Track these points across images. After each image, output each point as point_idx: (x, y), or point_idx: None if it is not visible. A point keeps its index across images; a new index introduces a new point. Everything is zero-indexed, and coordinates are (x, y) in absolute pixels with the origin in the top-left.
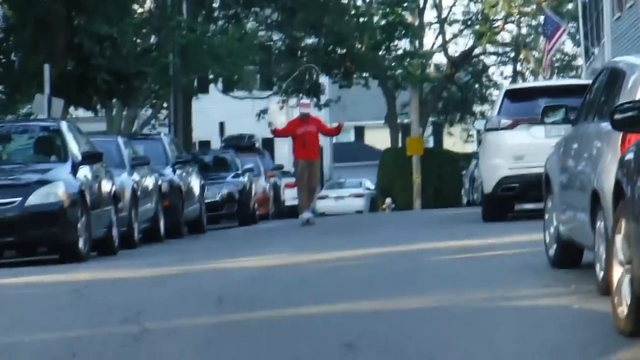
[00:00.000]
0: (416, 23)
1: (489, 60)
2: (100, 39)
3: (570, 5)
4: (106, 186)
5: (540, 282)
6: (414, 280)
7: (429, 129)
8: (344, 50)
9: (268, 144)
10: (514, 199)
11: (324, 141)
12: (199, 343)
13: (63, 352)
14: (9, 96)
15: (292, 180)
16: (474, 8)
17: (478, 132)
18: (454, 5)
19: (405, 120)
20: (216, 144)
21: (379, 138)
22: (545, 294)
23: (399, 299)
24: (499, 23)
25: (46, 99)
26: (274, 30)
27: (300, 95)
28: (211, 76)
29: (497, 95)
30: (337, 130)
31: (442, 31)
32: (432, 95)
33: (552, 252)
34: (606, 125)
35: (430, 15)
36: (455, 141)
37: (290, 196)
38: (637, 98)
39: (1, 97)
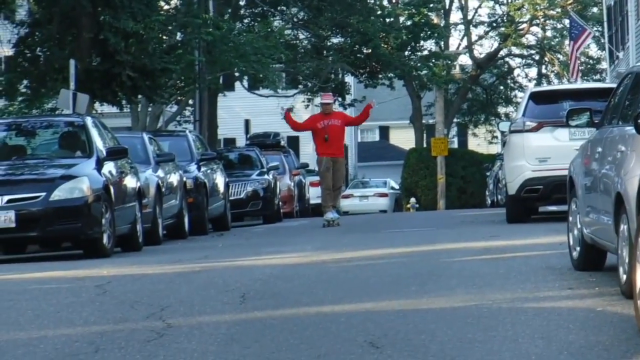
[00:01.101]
0: (442, 24)
1: (514, 62)
2: (125, 35)
3: (595, 9)
4: (131, 182)
5: (564, 284)
6: (437, 280)
7: (454, 130)
8: (370, 50)
9: (293, 143)
10: (538, 201)
11: (348, 140)
12: (222, 340)
13: (86, 347)
14: (34, 91)
15: (317, 178)
16: (499, 10)
17: (502, 133)
18: (479, 7)
19: (430, 121)
20: (241, 141)
21: (403, 138)
22: (569, 295)
23: (423, 299)
24: (524, 25)
25: (71, 94)
26: (300, 29)
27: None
28: (237, 74)
29: (521, 97)
30: (366, 113)
31: (467, 33)
32: (457, 96)
33: (575, 254)
34: (630, 129)
35: (455, 16)
36: (479, 142)
37: (314, 194)
38: None
39: (26, 92)
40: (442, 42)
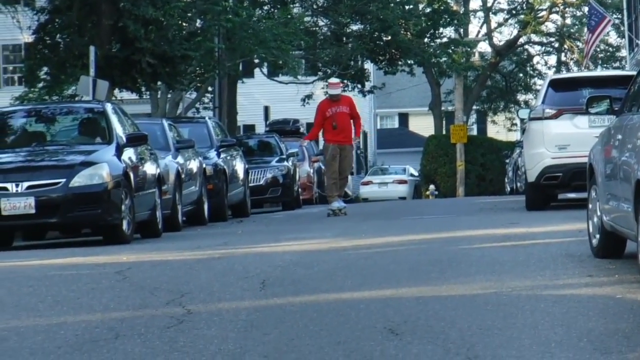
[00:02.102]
0: (461, 11)
1: (534, 49)
2: (145, 22)
3: None
4: (150, 168)
5: (584, 271)
6: (457, 267)
7: (473, 117)
8: (389, 37)
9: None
10: (557, 188)
11: (367, 127)
12: (242, 326)
13: (106, 333)
14: (54, 77)
15: None
16: None
17: (522, 120)
18: None
19: (450, 108)
20: (261, 128)
21: (423, 125)
22: (588, 283)
23: (443, 286)
24: (544, 13)
25: (91, 81)
26: (319, 16)
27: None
28: (256, 60)
29: (541, 84)
30: (357, 133)
31: (486, 20)
32: (477, 84)
33: (595, 241)
34: None
35: (475, 3)
36: (498, 129)
37: None
38: None
39: (46, 79)
40: (462, 29)
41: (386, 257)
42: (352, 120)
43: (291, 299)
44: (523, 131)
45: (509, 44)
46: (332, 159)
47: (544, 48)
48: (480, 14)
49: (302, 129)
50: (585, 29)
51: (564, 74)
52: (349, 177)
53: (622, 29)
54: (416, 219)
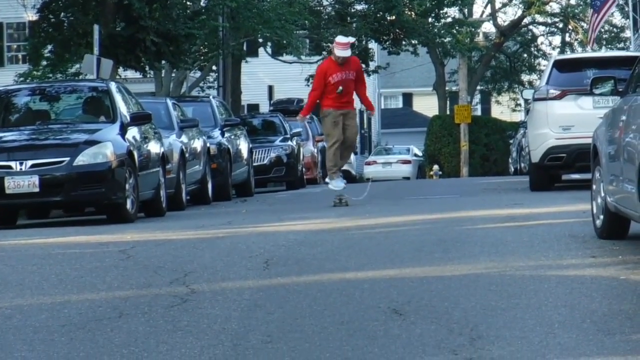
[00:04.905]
0: None
1: (538, 30)
2: (150, 0)
3: None
4: (154, 147)
5: (587, 252)
6: (461, 248)
7: (477, 97)
8: (393, 17)
9: (316, 109)
10: (561, 169)
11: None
12: (245, 305)
13: (110, 312)
14: (59, 56)
15: None
16: None
17: (526, 101)
18: None
19: (454, 88)
20: (265, 107)
21: (427, 105)
22: (592, 263)
23: (446, 266)
24: None
25: (95, 60)
26: None
27: None
28: (260, 40)
29: (545, 65)
30: (368, 105)
31: (491, 0)
32: (481, 64)
33: (599, 222)
34: None
35: None
36: (503, 110)
37: None
38: None
39: (50, 57)
40: (466, 10)
41: (390, 237)
42: (357, 88)
43: (295, 279)
44: (527, 112)
45: (513, 24)
46: (334, 126)
47: (548, 28)
48: None
49: None
50: (590, 10)
51: (569, 55)
52: (352, 156)
53: (626, 9)
54: (420, 199)
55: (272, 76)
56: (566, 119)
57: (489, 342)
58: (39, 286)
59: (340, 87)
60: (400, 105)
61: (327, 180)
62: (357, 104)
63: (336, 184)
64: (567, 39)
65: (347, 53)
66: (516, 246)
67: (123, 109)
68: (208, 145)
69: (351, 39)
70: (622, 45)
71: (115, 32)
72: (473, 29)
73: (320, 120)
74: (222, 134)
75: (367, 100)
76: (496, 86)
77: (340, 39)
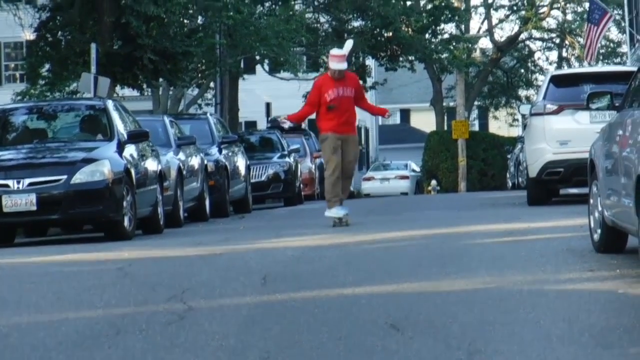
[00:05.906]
0: (462, 7)
1: (535, 45)
2: (147, 18)
3: None
4: (152, 165)
5: (585, 266)
6: (459, 262)
7: (475, 113)
8: (390, 33)
9: (314, 125)
10: (559, 183)
11: (369, 123)
12: (243, 322)
13: (107, 329)
14: (56, 75)
15: None
16: None
17: (523, 116)
18: None
19: (451, 104)
20: (262, 124)
21: (424, 120)
22: (590, 278)
23: (444, 281)
24: (545, 9)
25: (92, 78)
26: (320, 12)
27: None
28: (257, 57)
29: (542, 80)
30: (378, 111)
31: (488, 16)
32: (478, 79)
33: (596, 236)
34: None
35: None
36: (500, 125)
37: None
38: None
39: (48, 76)
40: (463, 25)
41: (388, 252)
42: (358, 101)
43: (292, 295)
44: (524, 127)
45: (510, 39)
46: (333, 152)
47: (545, 44)
48: (482, 10)
49: (303, 125)
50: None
51: (565, 70)
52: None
53: (623, 24)
54: (418, 215)
55: (270, 93)
56: (563, 133)
57: (487, 356)
58: (36, 304)
59: (333, 104)
60: (398, 121)
61: (326, 213)
62: (361, 117)
63: (337, 211)
64: (564, 54)
65: (343, 65)
66: (514, 261)
67: (120, 127)
68: (205, 162)
69: (346, 50)
70: (618, 60)
71: (113, 50)
72: (470, 45)
73: (317, 138)
74: (220, 151)
75: (374, 107)
76: (493, 101)
77: (335, 51)
